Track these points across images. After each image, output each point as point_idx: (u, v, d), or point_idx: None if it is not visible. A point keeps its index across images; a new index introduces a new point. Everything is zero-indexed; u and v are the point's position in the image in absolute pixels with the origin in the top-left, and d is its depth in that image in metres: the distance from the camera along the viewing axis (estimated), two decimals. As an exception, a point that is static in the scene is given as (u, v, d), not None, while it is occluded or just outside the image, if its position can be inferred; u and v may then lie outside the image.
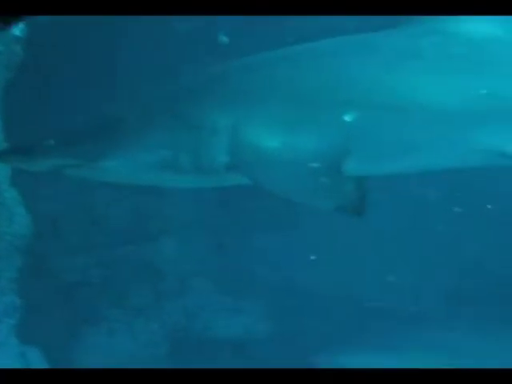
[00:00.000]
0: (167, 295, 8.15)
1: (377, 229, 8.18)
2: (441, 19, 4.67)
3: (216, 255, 8.34)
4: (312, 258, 7.63)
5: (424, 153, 4.78)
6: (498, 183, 7.63)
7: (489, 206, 7.45)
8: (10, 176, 6.55)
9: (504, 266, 8.36)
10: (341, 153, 4.68)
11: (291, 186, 4.68)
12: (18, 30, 6.38)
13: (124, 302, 8.00)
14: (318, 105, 4.69)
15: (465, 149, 4.74)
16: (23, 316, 6.76)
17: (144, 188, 6.47)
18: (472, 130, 4.68)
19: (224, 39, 6.66)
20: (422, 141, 4.72)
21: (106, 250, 7.93)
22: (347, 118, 4.64)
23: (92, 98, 6.77)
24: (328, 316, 8.15)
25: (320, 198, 4.69)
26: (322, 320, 8.14)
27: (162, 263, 8.13)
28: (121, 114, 4.91)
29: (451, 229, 8.35)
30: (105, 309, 7.98)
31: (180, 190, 7.59)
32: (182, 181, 4.97)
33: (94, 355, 7.93)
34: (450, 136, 4.70)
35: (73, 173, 4.90)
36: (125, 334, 8.00)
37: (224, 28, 6.64)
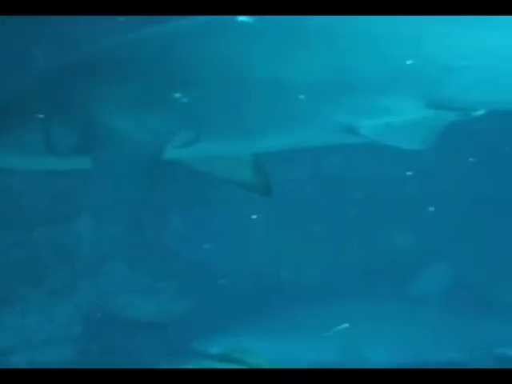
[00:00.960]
0: (83, 276, 8.14)
1: (288, 207, 8.33)
2: None
3: (131, 235, 8.35)
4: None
5: (277, 130, 4.78)
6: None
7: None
8: None
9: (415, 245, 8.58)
10: (191, 134, 4.72)
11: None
12: None
13: (40, 282, 7.95)
14: (166, 86, 4.72)
15: (316, 126, 4.73)
16: None
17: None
18: (322, 106, 4.67)
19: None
20: (273, 118, 4.72)
21: (22, 230, 7.87)
22: (188, 98, 4.66)
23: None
24: (243, 294, 8.27)
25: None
26: (236, 299, 8.25)
27: (78, 243, 8.11)
28: None
29: (364, 209, 8.54)
30: (20, 289, 7.92)
31: (96, 170, 7.54)
32: (40, 163, 5.01)
33: (8, 336, 7.88)
34: (300, 113, 4.70)
35: None
36: (40, 315, 7.97)
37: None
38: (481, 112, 4.72)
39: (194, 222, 8.53)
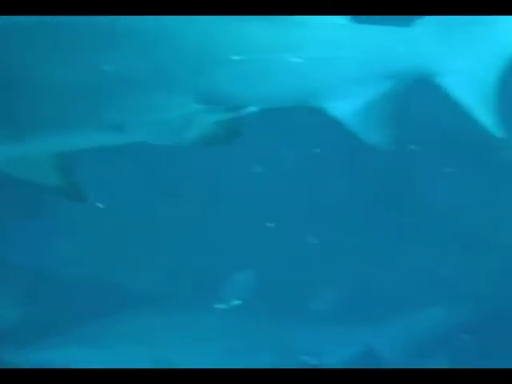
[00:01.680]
0: None
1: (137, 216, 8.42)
2: None
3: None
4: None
5: (57, 130, 4.66)
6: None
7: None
8: None
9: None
10: None
11: None
12: None
13: None
14: None
15: (89, 125, 4.63)
16: None
17: None
18: (92, 104, 4.58)
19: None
20: (52, 118, 4.61)
21: None
22: None
23: None
24: (78, 301, 8.31)
25: None
26: (77, 308, 8.28)
27: None
28: None
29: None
30: None
31: None
32: None
33: None
34: (75, 113, 4.61)
35: None
36: None
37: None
38: (253, 108, 4.69)
39: (28, 228, 8.48)
